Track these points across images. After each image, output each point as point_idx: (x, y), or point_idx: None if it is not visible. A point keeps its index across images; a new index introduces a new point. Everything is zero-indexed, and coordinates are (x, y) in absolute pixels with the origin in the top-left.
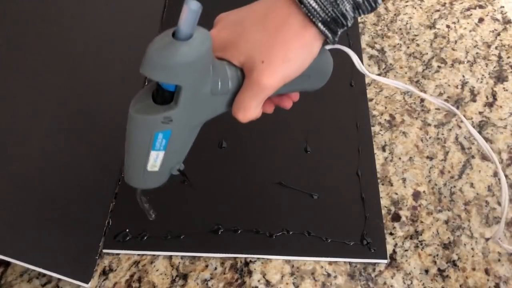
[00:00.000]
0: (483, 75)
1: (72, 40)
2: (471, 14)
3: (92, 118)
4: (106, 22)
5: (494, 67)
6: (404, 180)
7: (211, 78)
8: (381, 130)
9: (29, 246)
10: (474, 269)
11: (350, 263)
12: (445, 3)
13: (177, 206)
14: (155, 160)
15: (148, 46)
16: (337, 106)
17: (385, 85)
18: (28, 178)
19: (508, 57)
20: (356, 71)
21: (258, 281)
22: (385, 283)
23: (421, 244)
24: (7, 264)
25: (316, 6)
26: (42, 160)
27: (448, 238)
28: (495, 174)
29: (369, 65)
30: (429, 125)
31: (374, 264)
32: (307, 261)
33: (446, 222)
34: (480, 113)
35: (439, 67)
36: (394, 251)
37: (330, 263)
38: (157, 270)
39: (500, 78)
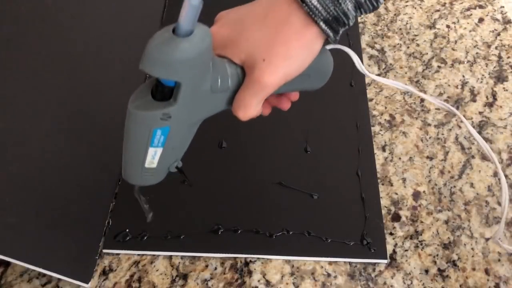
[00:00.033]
0: (483, 75)
1: (72, 40)
2: (471, 14)
3: (92, 118)
4: (106, 22)
5: (494, 67)
6: (404, 180)
7: (211, 75)
8: (381, 130)
9: (29, 246)
10: (474, 269)
11: (350, 263)
12: (445, 3)
13: (177, 206)
14: (153, 157)
15: (148, 41)
16: (337, 106)
17: (385, 85)
18: (28, 178)
19: (508, 57)
20: (356, 71)
21: (258, 281)
22: (385, 283)
23: (421, 244)
24: (7, 264)
25: (318, 5)
26: (42, 160)
27: (448, 238)
28: (495, 174)
29: (369, 65)
30: (429, 125)
31: (374, 264)
32: (307, 261)
33: (446, 222)
34: (480, 113)
35: (439, 67)
36: (394, 251)
37: (330, 263)
38: (157, 270)
39: (500, 78)
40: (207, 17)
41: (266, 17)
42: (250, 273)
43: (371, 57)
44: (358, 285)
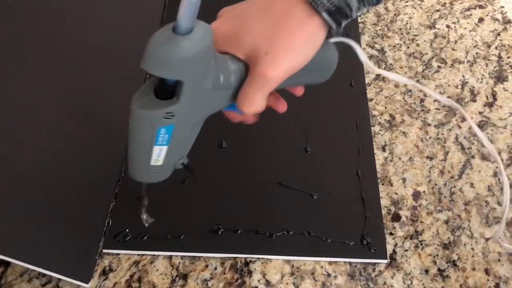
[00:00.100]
0: (483, 75)
1: (72, 40)
2: (471, 14)
3: (92, 118)
4: (106, 22)
5: (494, 67)
6: (404, 180)
7: (213, 72)
8: (381, 130)
9: (29, 246)
10: (474, 269)
11: (350, 263)
12: (445, 3)
13: (177, 206)
14: (158, 155)
15: (148, 41)
16: (337, 106)
17: (385, 85)
18: (28, 178)
19: (508, 57)
20: (356, 71)
21: (258, 281)
22: (385, 283)
23: (421, 244)
24: (7, 264)
25: None
26: (42, 160)
27: (448, 238)
28: (495, 174)
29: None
30: (429, 125)
31: (374, 264)
32: (307, 261)
33: (446, 222)
34: (480, 113)
35: (439, 67)
36: (394, 251)
37: (330, 263)
38: (157, 270)
39: (500, 78)
40: (209, 13)
41: (268, 10)
42: (250, 273)
43: (371, 57)
44: (358, 285)
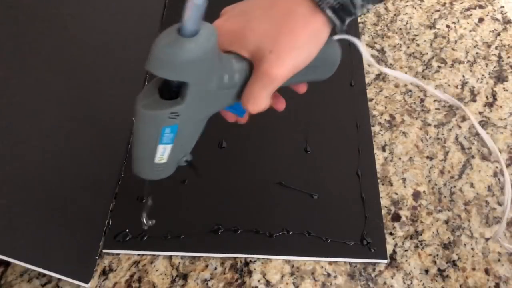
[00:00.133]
0: (483, 75)
1: (72, 40)
2: (471, 14)
3: (92, 118)
4: (106, 22)
5: (494, 67)
6: (404, 180)
7: (217, 72)
8: (381, 130)
9: (29, 246)
10: (474, 269)
11: (350, 263)
12: (445, 3)
13: (177, 206)
14: (162, 153)
15: (153, 42)
16: (337, 106)
17: (385, 85)
18: (28, 178)
19: (508, 57)
20: (356, 71)
21: (258, 281)
22: (385, 283)
23: (421, 244)
24: (7, 264)
25: None
26: (42, 160)
27: (448, 238)
28: (495, 174)
29: (369, 65)
30: (429, 125)
31: (374, 264)
32: (307, 261)
33: (446, 222)
34: (480, 113)
35: (439, 67)
36: (394, 251)
37: (330, 263)
38: (157, 270)
39: (500, 78)
40: (212, 13)
41: (272, 7)
42: (250, 273)
43: (371, 57)
44: (358, 285)
